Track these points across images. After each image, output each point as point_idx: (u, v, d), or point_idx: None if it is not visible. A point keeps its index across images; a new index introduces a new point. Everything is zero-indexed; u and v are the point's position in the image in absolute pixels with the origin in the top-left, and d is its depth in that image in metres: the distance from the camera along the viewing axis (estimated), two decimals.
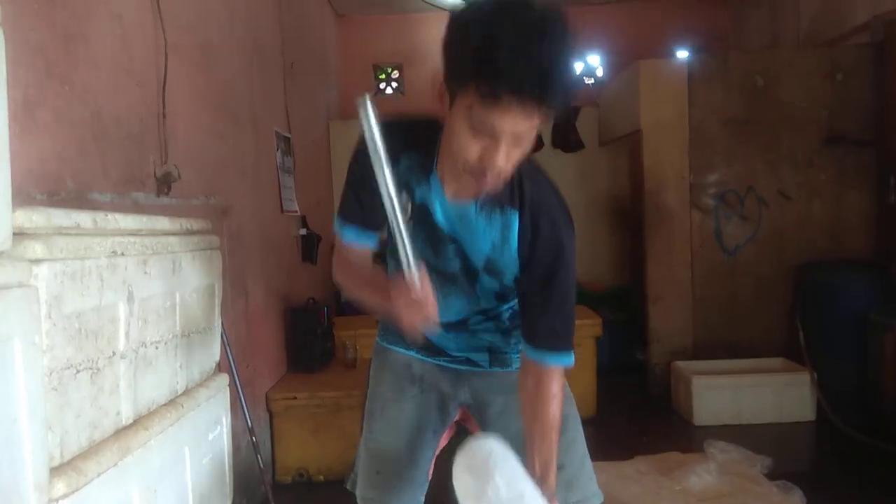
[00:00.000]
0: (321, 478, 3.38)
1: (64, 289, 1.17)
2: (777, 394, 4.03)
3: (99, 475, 1.21)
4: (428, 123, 1.25)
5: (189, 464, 1.61)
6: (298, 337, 3.73)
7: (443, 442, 1.63)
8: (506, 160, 1.12)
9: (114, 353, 1.32)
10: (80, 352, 1.21)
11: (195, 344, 1.71)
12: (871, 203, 4.46)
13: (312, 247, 4.22)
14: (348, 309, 5.07)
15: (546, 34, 1.03)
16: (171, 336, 1.57)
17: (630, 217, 5.29)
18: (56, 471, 1.12)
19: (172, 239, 1.62)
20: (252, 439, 2.82)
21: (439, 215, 1.31)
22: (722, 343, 4.51)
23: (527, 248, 1.30)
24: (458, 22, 1.10)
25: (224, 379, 1.88)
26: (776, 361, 4.30)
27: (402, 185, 1.25)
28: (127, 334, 1.36)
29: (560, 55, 1.04)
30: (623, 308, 5.24)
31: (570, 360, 1.34)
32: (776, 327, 4.48)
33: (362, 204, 1.32)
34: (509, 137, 1.09)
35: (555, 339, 1.32)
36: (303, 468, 3.41)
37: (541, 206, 1.29)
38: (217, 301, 1.85)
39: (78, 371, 1.21)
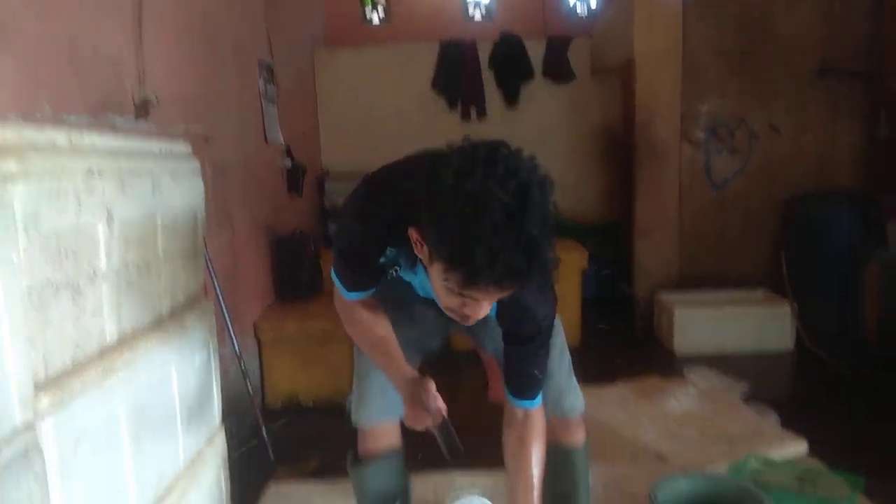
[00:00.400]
0: (311, 403, 3.45)
1: (40, 207, 1.14)
2: (758, 325, 4.11)
3: (84, 393, 1.22)
4: (405, 222, 1.18)
5: (176, 385, 1.63)
6: (285, 268, 3.74)
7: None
8: (487, 308, 1.16)
9: (95, 274, 1.31)
10: (59, 271, 1.20)
11: (179, 268, 1.70)
12: (862, 136, 4.44)
13: (297, 178, 4.18)
14: None
15: (523, 225, 0.99)
16: (153, 259, 1.56)
17: (620, 150, 5.26)
18: (41, 387, 1.13)
19: (151, 161, 1.59)
20: (241, 366, 2.87)
21: (421, 291, 1.41)
22: (708, 277, 4.56)
23: (504, 323, 1.39)
24: (435, 199, 1.04)
25: (209, 304, 1.89)
26: (758, 293, 4.38)
27: (392, 264, 1.34)
28: (108, 255, 1.35)
29: (537, 243, 1.02)
30: (610, 241, 5.27)
31: (539, 401, 1.49)
32: (763, 261, 4.53)
33: (363, 276, 1.38)
34: (488, 299, 1.13)
35: (528, 387, 1.46)
36: (292, 394, 3.47)
37: (520, 298, 1.28)
38: (200, 226, 1.84)
39: (58, 290, 1.20)
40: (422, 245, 1.14)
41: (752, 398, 3.03)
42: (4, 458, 0.99)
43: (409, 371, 1.44)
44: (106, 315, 1.35)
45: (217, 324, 1.98)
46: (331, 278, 1.44)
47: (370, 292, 1.42)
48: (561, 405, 1.62)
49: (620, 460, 2.52)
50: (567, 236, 4.79)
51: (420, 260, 1.22)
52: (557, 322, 1.56)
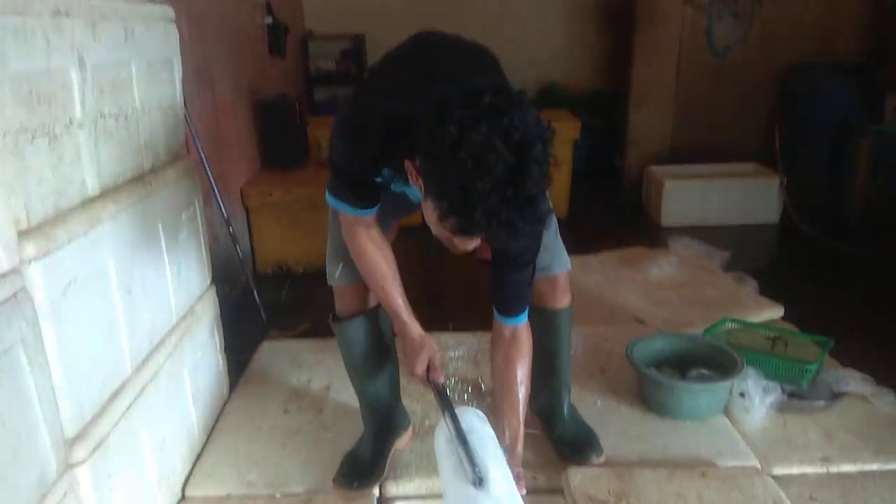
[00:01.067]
0: (300, 269, 3.51)
1: (6, 46, 1.08)
2: (745, 197, 4.14)
3: (70, 242, 1.21)
4: (399, 145, 1.20)
5: (164, 240, 1.63)
6: (270, 133, 3.66)
7: None
8: (478, 242, 1.16)
9: (71, 121, 1.27)
10: (33, 116, 1.16)
11: (158, 122, 1.65)
12: (869, 4, 4.26)
13: (279, 38, 3.99)
14: (322, 108, 4.94)
15: (523, 183, 1.01)
16: (131, 110, 1.50)
17: (618, 15, 5.03)
18: (24, 234, 1.12)
19: (122, 4, 1.49)
20: (229, 230, 2.87)
21: (414, 199, 1.37)
22: (701, 147, 4.52)
23: (492, 246, 1.35)
24: (436, 148, 1.04)
25: (192, 161, 1.85)
26: (748, 166, 4.37)
27: (387, 184, 1.36)
28: (82, 102, 1.29)
29: (534, 200, 1.04)
30: (603, 114, 5.16)
31: (524, 318, 1.52)
32: (758, 133, 4.48)
33: (362, 190, 1.38)
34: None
35: (516, 304, 1.50)
36: (282, 261, 3.52)
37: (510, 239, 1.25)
38: (177, 78, 1.76)
39: (34, 136, 1.16)
40: (418, 177, 1.15)
41: (733, 267, 3.10)
42: None
43: (414, 327, 1.46)
44: (85, 164, 1.32)
45: (202, 187, 1.96)
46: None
47: (373, 211, 1.41)
48: (550, 265, 1.65)
49: (600, 322, 2.60)
50: (560, 105, 4.68)
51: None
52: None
